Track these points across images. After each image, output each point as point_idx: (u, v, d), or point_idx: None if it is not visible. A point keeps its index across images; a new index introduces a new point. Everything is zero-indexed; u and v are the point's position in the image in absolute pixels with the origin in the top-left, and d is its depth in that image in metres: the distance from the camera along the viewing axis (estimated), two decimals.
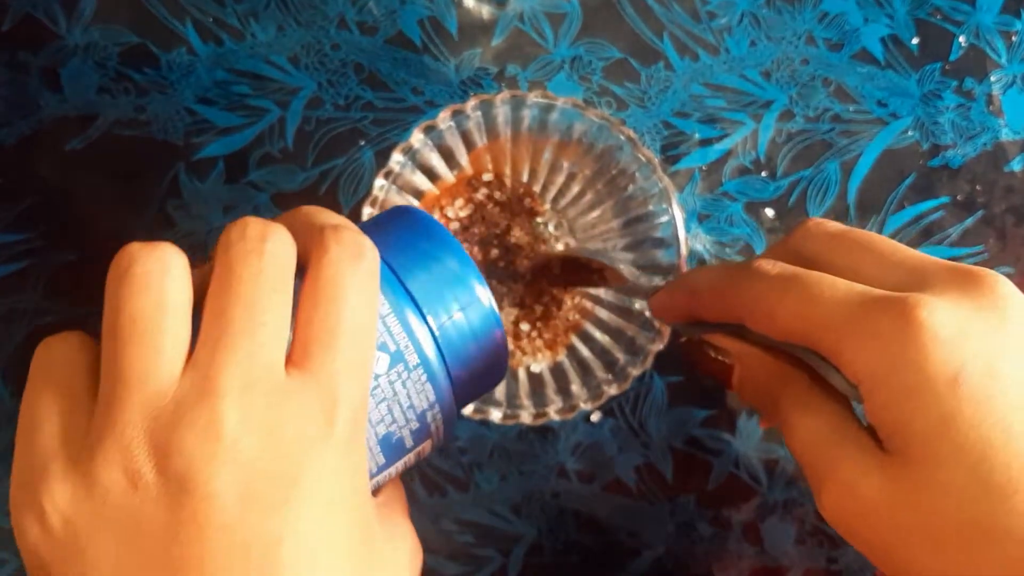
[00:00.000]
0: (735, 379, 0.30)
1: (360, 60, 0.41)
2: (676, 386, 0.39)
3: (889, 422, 0.24)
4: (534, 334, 0.37)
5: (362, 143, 0.40)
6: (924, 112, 0.43)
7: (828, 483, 0.25)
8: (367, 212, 0.33)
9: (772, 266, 0.27)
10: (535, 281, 0.38)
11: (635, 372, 0.34)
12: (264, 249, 0.22)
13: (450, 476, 0.39)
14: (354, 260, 0.22)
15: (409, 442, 0.25)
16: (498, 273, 0.38)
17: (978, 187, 0.42)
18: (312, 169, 0.40)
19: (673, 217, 0.34)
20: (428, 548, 0.39)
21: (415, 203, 0.36)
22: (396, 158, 0.34)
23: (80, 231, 0.39)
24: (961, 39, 0.43)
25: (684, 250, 0.34)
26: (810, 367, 0.27)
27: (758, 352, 0.29)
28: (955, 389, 0.23)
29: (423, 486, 0.38)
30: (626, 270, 0.34)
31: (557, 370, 0.37)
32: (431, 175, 0.36)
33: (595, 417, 0.39)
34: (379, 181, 0.33)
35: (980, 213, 0.42)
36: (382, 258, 0.24)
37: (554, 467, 0.39)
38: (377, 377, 0.24)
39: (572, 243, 0.39)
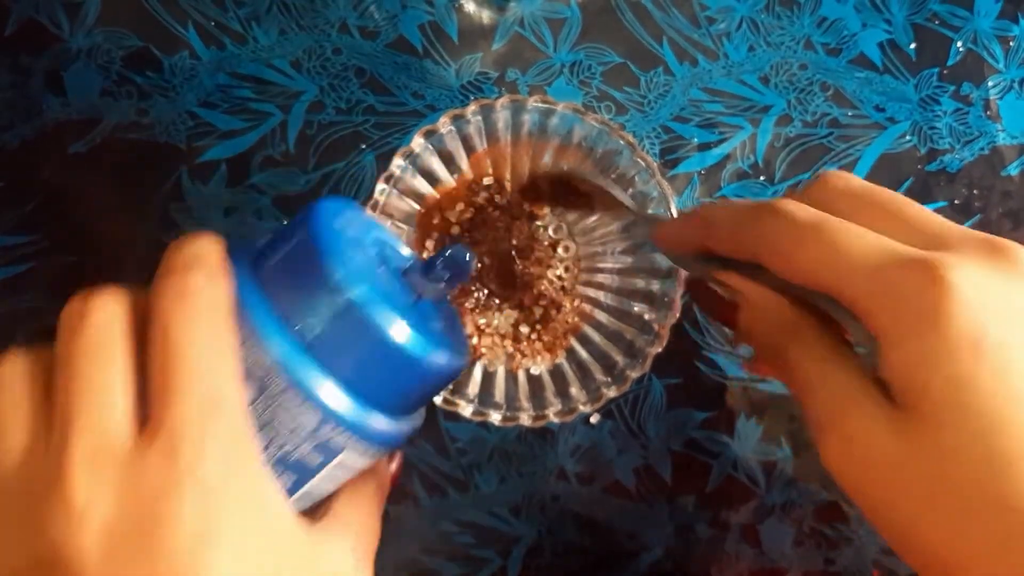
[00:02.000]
0: (740, 321, 0.29)
1: (361, 64, 0.41)
2: (675, 388, 0.40)
3: (906, 379, 0.24)
4: (533, 337, 0.38)
5: (363, 147, 0.40)
6: (922, 117, 0.43)
7: (834, 433, 0.25)
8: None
9: (798, 208, 0.26)
10: (521, 202, 0.37)
11: (634, 375, 0.34)
12: (85, 324, 0.23)
13: (450, 477, 0.39)
14: (180, 303, 0.23)
15: (317, 458, 0.25)
16: (498, 276, 0.38)
17: (975, 191, 0.43)
18: (313, 172, 0.40)
19: None
20: (427, 549, 0.39)
21: (415, 207, 0.37)
22: (397, 162, 0.34)
23: (83, 234, 0.39)
24: (959, 44, 0.44)
25: None
26: (823, 314, 0.27)
27: (770, 294, 0.28)
28: (976, 355, 0.23)
29: (423, 487, 0.39)
30: (621, 196, 0.33)
31: (556, 373, 0.37)
32: (432, 179, 0.36)
33: (594, 419, 0.39)
34: (380, 186, 0.34)
35: (977, 217, 0.42)
36: (255, 275, 0.24)
37: (553, 469, 0.39)
38: (251, 404, 0.23)
39: (572, 246, 0.39)
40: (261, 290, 0.24)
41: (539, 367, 0.37)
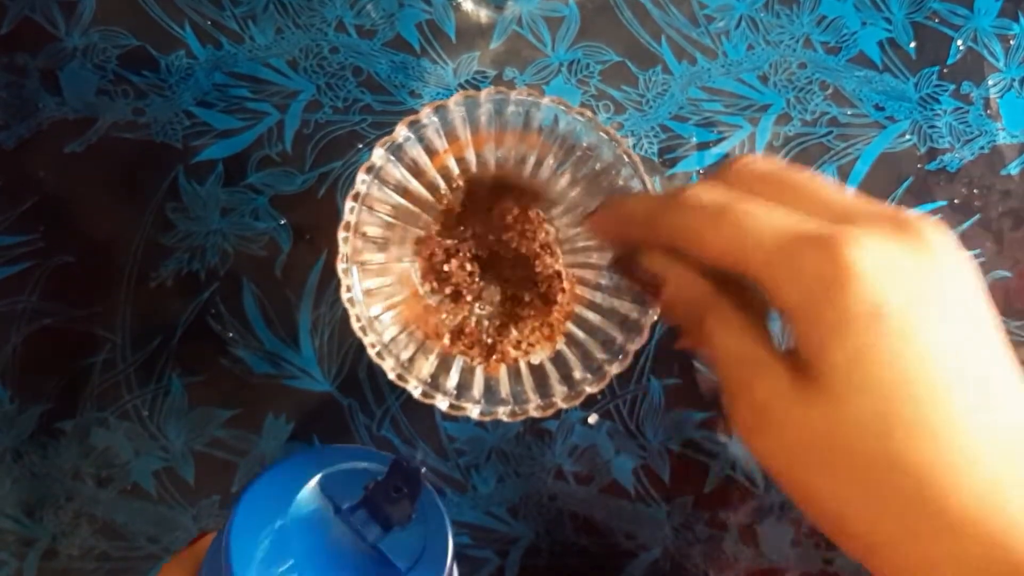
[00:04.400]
0: (664, 296, 0.31)
1: (358, 63, 0.41)
2: (673, 389, 0.40)
3: (810, 351, 0.25)
4: (528, 332, 0.37)
5: (360, 146, 0.40)
6: (921, 116, 0.43)
7: (742, 400, 0.26)
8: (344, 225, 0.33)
9: (705, 193, 0.27)
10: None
11: (633, 348, 0.34)
12: None
13: (447, 477, 0.39)
14: None
15: None
16: (495, 272, 0.38)
17: (975, 191, 0.42)
18: (311, 172, 0.40)
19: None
20: None
21: (401, 201, 0.36)
22: (361, 178, 0.33)
23: (79, 233, 0.39)
24: (959, 43, 0.44)
25: None
26: (737, 289, 0.28)
27: (689, 272, 0.29)
28: (874, 325, 0.23)
29: None
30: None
31: (558, 359, 0.37)
32: (415, 170, 0.36)
33: (592, 419, 0.39)
34: (349, 203, 0.33)
35: (977, 217, 0.42)
36: None
37: (551, 469, 0.39)
38: None
39: (551, 229, 0.38)
40: None
41: (540, 356, 0.37)
